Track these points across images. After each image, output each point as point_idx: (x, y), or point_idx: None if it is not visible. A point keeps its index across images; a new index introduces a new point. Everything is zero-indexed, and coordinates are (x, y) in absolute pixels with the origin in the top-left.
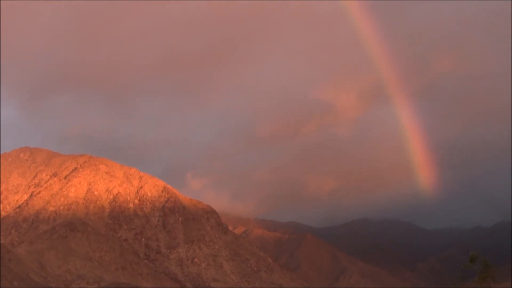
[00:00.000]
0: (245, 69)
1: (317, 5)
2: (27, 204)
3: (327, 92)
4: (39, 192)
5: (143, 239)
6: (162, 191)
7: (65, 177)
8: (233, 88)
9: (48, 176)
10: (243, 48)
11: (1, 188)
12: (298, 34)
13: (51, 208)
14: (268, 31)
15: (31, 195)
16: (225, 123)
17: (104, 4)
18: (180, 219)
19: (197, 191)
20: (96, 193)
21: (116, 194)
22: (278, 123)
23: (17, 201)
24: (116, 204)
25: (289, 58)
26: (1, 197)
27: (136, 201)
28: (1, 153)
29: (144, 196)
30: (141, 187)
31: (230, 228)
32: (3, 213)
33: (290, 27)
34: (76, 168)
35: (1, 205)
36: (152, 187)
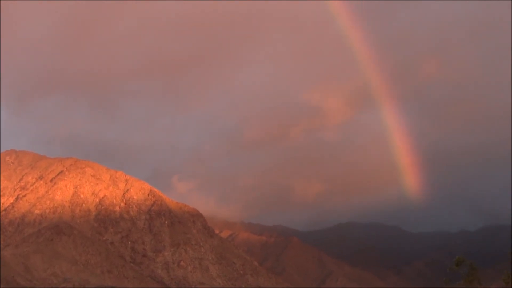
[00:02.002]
0: (232, 73)
1: (305, 10)
2: (12, 207)
3: (315, 96)
4: (25, 195)
5: (129, 242)
6: (148, 194)
7: (51, 180)
8: (220, 92)
9: (34, 179)
10: (230, 51)
11: None
12: (285, 38)
13: (37, 211)
14: (256, 34)
15: (17, 198)
16: (212, 126)
17: (90, 5)
18: (166, 222)
19: (184, 194)
20: (82, 196)
21: (102, 197)
22: (265, 126)
23: (2, 204)
24: (102, 207)
25: (276, 61)
26: None
27: (122, 204)
28: None
29: (130, 199)
30: (127, 190)
31: (216, 231)
32: None
33: (277, 31)
34: (62, 171)
35: None
36: (138, 190)
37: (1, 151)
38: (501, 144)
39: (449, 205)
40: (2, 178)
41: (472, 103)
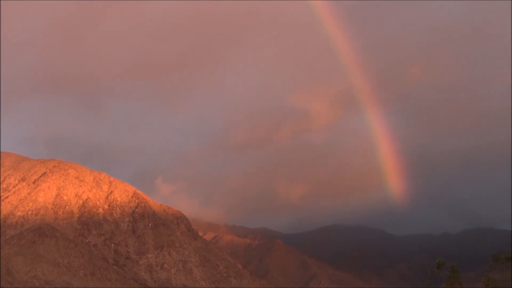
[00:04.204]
0: (220, 75)
1: (292, 13)
2: None
3: (301, 99)
4: (7, 197)
5: (113, 245)
6: (132, 197)
7: (33, 182)
8: (207, 94)
9: (16, 181)
10: (218, 53)
11: None
12: (273, 40)
13: (19, 213)
14: (244, 36)
15: None
16: (198, 128)
17: (77, 6)
18: (150, 224)
19: (168, 196)
20: (65, 198)
21: (86, 199)
22: (252, 129)
23: None
24: (86, 209)
25: (263, 64)
26: None
27: (106, 207)
28: None
29: (114, 202)
30: (111, 192)
31: (200, 234)
32: None
33: (265, 33)
34: (45, 173)
35: None
36: (122, 193)
37: None
38: (484, 149)
39: (432, 208)
40: None
41: (457, 107)
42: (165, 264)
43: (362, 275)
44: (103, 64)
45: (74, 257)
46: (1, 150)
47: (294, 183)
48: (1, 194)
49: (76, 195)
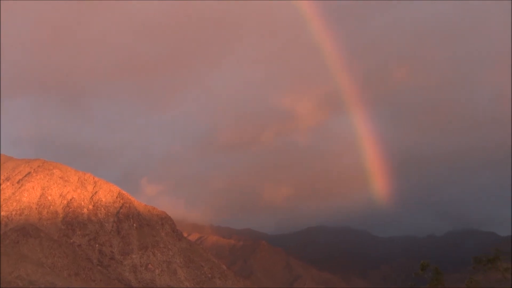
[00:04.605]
0: (205, 76)
1: (279, 13)
2: None
3: (286, 100)
4: None
5: (97, 245)
6: (117, 197)
7: (18, 182)
8: (194, 95)
9: (0, 181)
10: (204, 54)
11: None
12: (259, 41)
13: (3, 213)
14: (230, 37)
15: None
16: (184, 129)
17: (63, 6)
18: (134, 225)
19: (153, 197)
20: (49, 198)
21: (70, 199)
22: (237, 130)
23: None
24: (70, 209)
25: (249, 65)
26: None
27: (90, 207)
28: None
29: (99, 202)
30: (96, 193)
31: (185, 234)
32: None
33: (251, 34)
34: (29, 173)
35: None
36: (106, 193)
37: None
38: (470, 151)
39: (417, 209)
40: None
41: (442, 109)
42: (150, 264)
43: (346, 276)
44: (89, 64)
45: (58, 257)
46: None
47: (279, 184)
48: None
49: (60, 195)
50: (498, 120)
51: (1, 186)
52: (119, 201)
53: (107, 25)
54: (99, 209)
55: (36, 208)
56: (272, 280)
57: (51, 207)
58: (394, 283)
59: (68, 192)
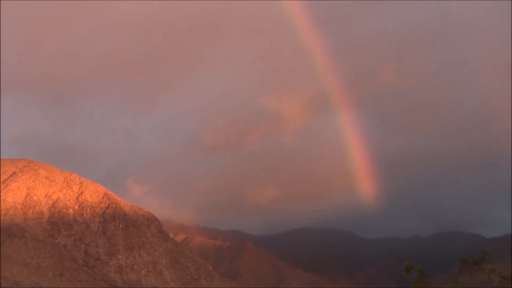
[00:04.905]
0: (192, 76)
1: (265, 15)
2: None
3: (273, 101)
4: None
5: (82, 246)
6: (103, 197)
7: (3, 182)
8: (180, 95)
9: None
10: (191, 54)
11: None
12: (246, 42)
13: None
14: (217, 37)
15: None
16: (170, 130)
17: (49, 5)
18: (120, 225)
19: (140, 197)
20: (35, 198)
21: (56, 200)
22: (224, 131)
23: None
24: (56, 209)
25: (236, 66)
26: None
27: (76, 207)
28: None
29: (85, 202)
30: (82, 193)
31: (171, 235)
32: None
33: (238, 34)
34: (15, 173)
35: None
36: (92, 193)
37: None
38: (455, 153)
39: (403, 211)
40: None
41: (429, 111)
42: (136, 265)
43: (332, 278)
44: (75, 64)
45: (43, 257)
46: None
47: (266, 185)
48: None
49: (46, 195)
50: (484, 123)
51: None
52: (105, 202)
53: (95, 25)
54: (85, 209)
55: (21, 208)
56: (258, 281)
57: (37, 207)
58: (380, 284)
59: (53, 192)
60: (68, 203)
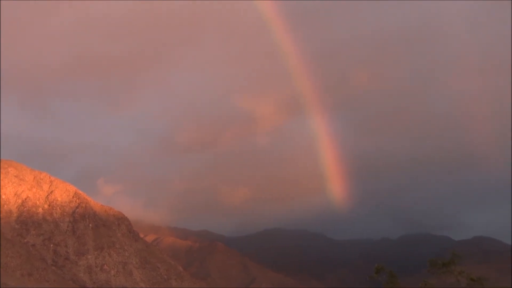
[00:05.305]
0: (166, 75)
1: (240, 15)
2: None
3: (247, 101)
4: None
5: (52, 245)
6: (73, 197)
7: None
8: (154, 94)
9: None
10: (165, 53)
11: None
12: (220, 42)
13: None
14: (190, 36)
15: None
16: (143, 129)
17: (21, 4)
18: (90, 225)
19: (111, 197)
20: (4, 197)
21: (25, 199)
22: (197, 131)
23: None
24: (25, 208)
25: (210, 66)
26: None
27: (46, 206)
28: None
29: (54, 201)
30: (52, 192)
31: (142, 235)
32: None
33: (212, 34)
34: None
35: None
36: (62, 192)
37: None
38: (426, 156)
39: (373, 213)
40: None
41: (401, 114)
42: (105, 265)
43: (303, 279)
44: (47, 63)
45: (11, 257)
46: None
47: (238, 186)
48: None
49: (15, 194)
50: (454, 127)
51: None
52: (75, 201)
53: (67, 24)
54: (54, 208)
55: None
56: (228, 282)
57: (5, 206)
58: (351, 286)
59: (23, 191)
60: (37, 202)
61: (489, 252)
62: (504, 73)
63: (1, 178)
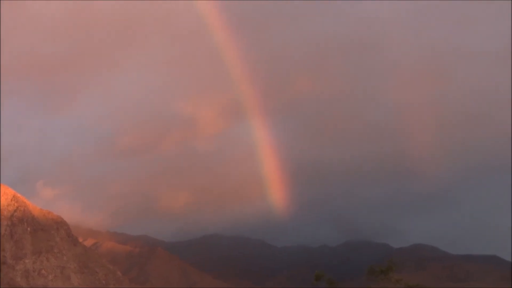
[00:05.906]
0: (106, 78)
1: (183, 18)
2: None
3: (188, 106)
4: None
5: None
6: (11, 200)
7: None
8: (94, 97)
9: None
10: (105, 55)
11: None
12: (162, 45)
13: None
14: (131, 39)
15: None
16: (83, 132)
17: None
18: (28, 229)
19: (50, 200)
20: None
21: None
22: (138, 135)
23: None
24: None
25: (151, 69)
26: None
27: None
28: None
29: None
30: None
31: (81, 240)
32: None
33: (153, 37)
34: None
35: None
36: (0, 195)
37: None
38: (366, 162)
39: (313, 220)
40: None
41: (343, 118)
42: (43, 270)
43: (242, 285)
44: None
45: None
46: None
47: (178, 191)
48: None
49: None
50: (395, 134)
51: None
52: (13, 204)
53: (5, 23)
54: None
55: None
56: (168, 287)
57: None
58: None
59: None
60: None
61: (427, 259)
62: (442, 82)
63: None
